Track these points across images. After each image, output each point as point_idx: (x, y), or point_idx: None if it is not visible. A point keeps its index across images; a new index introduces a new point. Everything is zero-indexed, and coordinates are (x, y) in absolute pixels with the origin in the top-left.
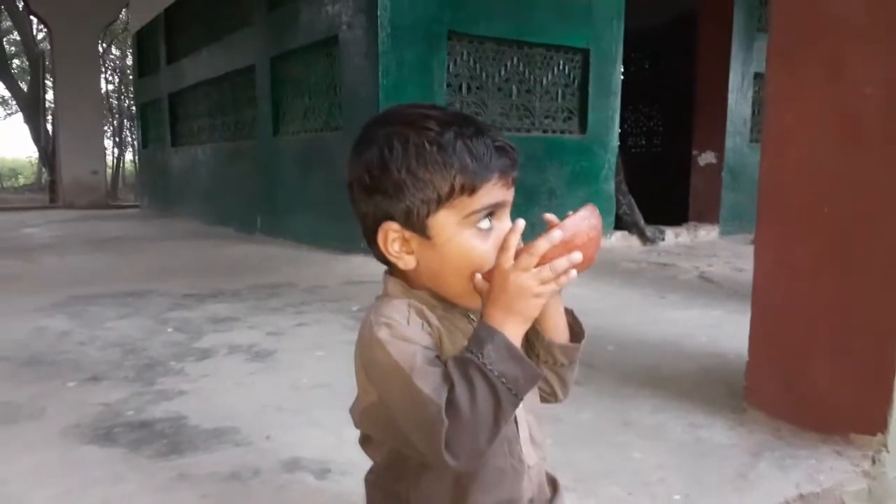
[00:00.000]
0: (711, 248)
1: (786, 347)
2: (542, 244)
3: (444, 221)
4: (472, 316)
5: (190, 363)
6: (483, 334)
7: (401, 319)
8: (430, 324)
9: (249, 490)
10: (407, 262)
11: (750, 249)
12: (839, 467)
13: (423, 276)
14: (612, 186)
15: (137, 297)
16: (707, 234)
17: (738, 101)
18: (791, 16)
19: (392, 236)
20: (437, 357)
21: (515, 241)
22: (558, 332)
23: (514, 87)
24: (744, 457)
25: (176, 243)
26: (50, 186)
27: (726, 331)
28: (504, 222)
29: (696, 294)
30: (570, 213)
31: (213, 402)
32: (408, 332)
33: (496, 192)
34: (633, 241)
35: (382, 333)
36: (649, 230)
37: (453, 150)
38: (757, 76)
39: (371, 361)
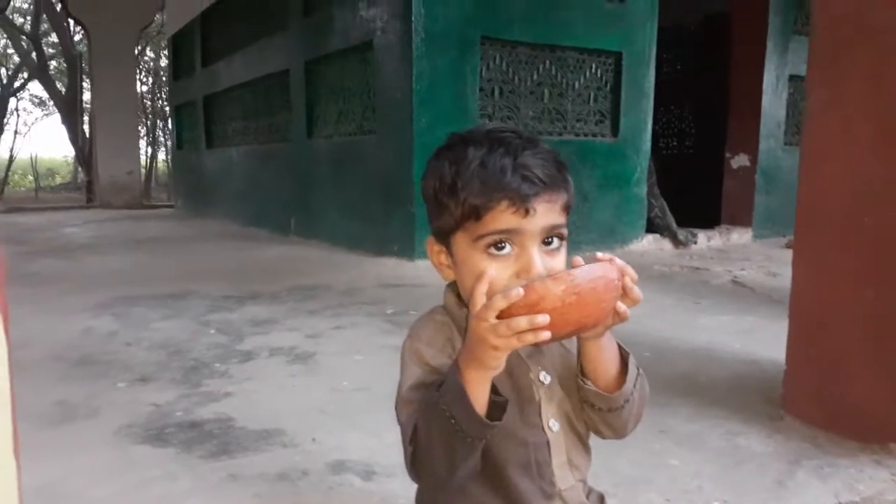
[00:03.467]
0: (744, 252)
1: (824, 356)
2: (498, 300)
3: (460, 242)
4: None
5: (233, 365)
6: (449, 373)
7: (423, 335)
8: (454, 349)
9: (299, 490)
10: (446, 275)
11: (784, 254)
12: (878, 476)
13: (464, 295)
14: (643, 190)
15: (178, 298)
16: (740, 237)
17: (773, 103)
18: (833, 23)
19: (435, 249)
20: (438, 375)
21: (480, 290)
22: (597, 376)
23: (546, 90)
24: (782, 465)
25: (212, 244)
26: (87, 186)
27: (760, 337)
28: (528, 249)
29: (729, 299)
30: (580, 261)
31: (258, 404)
32: (422, 350)
33: (506, 218)
34: (665, 244)
35: (407, 343)
36: (681, 233)
37: (468, 176)
38: (792, 78)
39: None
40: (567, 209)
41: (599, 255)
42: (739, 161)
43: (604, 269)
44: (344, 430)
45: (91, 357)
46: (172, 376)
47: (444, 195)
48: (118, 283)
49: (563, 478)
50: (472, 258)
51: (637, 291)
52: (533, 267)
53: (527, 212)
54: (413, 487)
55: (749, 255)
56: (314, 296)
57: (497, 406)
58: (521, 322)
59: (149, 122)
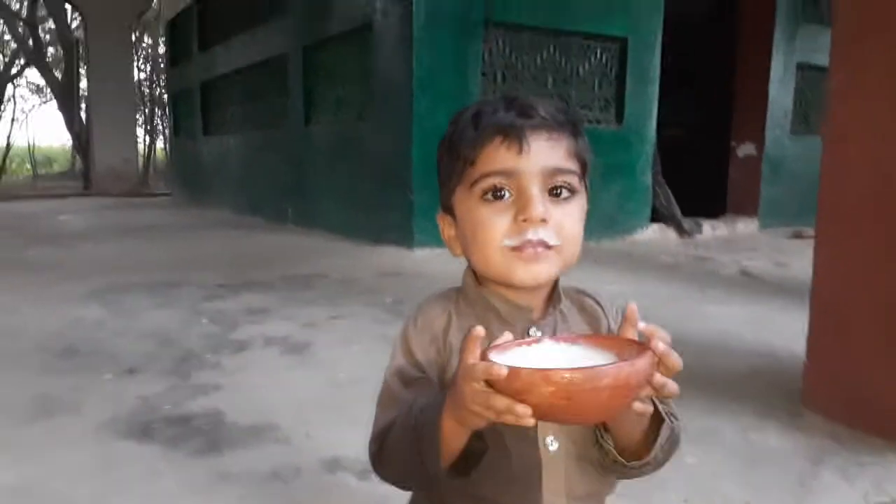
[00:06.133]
0: (750, 242)
1: (848, 348)
2: (479, 370)
3: (459, 200)
4: (531, 333)
5: (225, 356)
6: (432, 406)
7: (419, 319)
8: (445, 345)
9: (290, 491)
10: (454, 248)
11: (791, 244)
12: None
13: (472, 262)
14: (648, 178)
15: (171, 286)
16: (745, 227)
17: (780, 91)
18: (857, 8)
19: (444, 222)
20: (422, 372)
21: (471, 349)
22: (617, 435)
23: (549, 76)
24: (804, 464)
25: (207, 233)
26: (84, 174)
27: (773, 328)
28: (526, 190)
29: (738, 289)
30: (634, 312)
31: (249, 397)
32: (412, 337)
33: (500, 156)
34: (670, 233)
35: (404, 326)
36: (686, 223)
37: (463, 124)
38: (800, 66)
39: None
40: (579, 160)
41: (642, 326)
42: (745, 150)
43: (626, 368)
44: (339, 425)
45: (78, 347)
46: (161, 367)
47: (445, 155)
48: (110, 271)
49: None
50: (469, 209)
51: (671, 387)
52: (531, 207)
53: (521, 147)
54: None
55: (756, 244)
56: (310, 285)
57: (473, 454)
58: (500, 403)
59: (147, 111)
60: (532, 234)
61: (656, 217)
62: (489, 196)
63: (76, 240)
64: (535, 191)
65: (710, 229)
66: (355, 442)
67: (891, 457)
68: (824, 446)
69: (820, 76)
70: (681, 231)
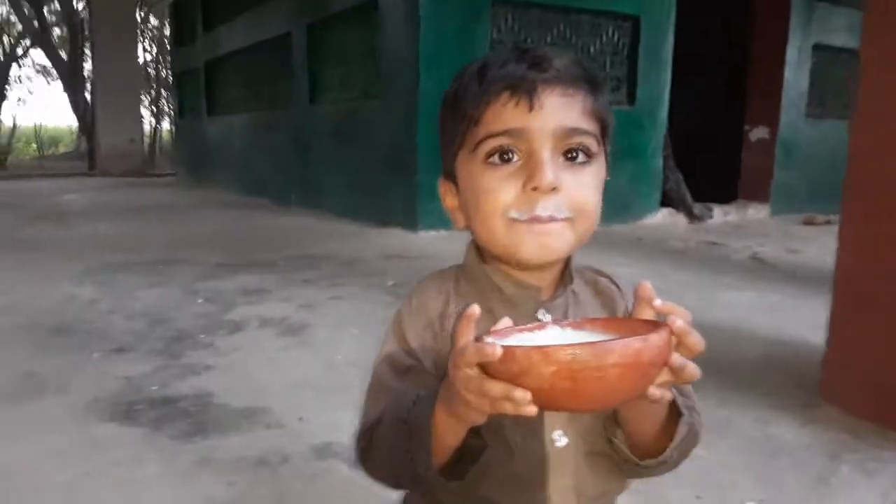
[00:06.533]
0: (762, 228)
1: (871, 338)
2: (470, 351)
3: (462, 164)
4: (539, 316)
5: (220, 336)
6: (424, 400)
7: (414, 301)
8: (442, 330)
9: (278, 478)
10: (457, 220)
11: (803, 230)
12: None
13: (475, 235)
14: (659, 162)
15: (168, 265)
16: (757, 212)
17: (795, 73)
18: None
19: (444, 190)
20: (415, 359)
21: (464, 331)
22: (631, 431)
23: None
24: (822, 459)
25: (210, 213)
26: (88, 154)
27: (787, 316)
28: (537, 153)
29: (750, 276)
30: (648, 289)
31: (242, 378)
32: (405, 321)
33: (507, 114)
34: (680, 218)
35: (399, 308)
36: (697, 208)
37: (467, 79)
38: (816, 48)
39: None
40: (597, 119)
41: (658, 303)
42: (758, 134)
43: (639, 344)
44: (334, 409)
45: (69, 325)
46: (152, 347)
47: (447, 115)
48: (108, 249)
49: (561, 501)
50: (471, 174)
51: (692, 369)
52: (541, 172)
53: (531, 104)
54: None
55: (767, 231)
56: (311, 266)
57: (471, 452)
58: (495, 388)
59: (153, 92)
60: (542, 209)
61: (666, 201)
62: (494, 159)
63: (76, 218)
64: (547, 154)
65: (721, 215)
66: (349, 427)
67: None
68: (841, 440)
69: (836, 57)
70: (691, 216)
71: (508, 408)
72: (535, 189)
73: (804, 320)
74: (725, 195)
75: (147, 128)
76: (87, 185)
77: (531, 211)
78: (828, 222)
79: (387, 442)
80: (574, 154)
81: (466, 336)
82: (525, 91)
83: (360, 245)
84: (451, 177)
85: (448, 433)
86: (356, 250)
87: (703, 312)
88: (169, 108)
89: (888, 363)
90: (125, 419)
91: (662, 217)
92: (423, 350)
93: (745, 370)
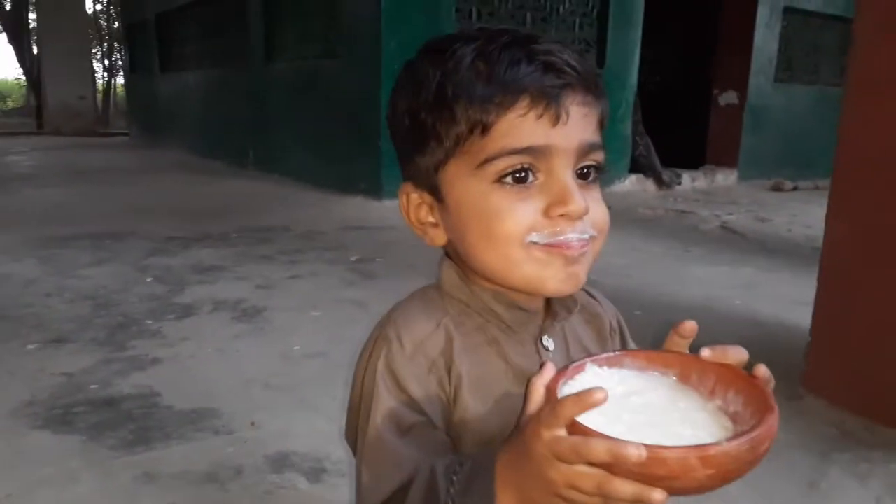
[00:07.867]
0: (730, 195)
1: (859, 327)
2: (599, 449)
3: (455, 177)
4: (544, 342)
5: (168, 322)
6: (476, 484)
7: (410, 342)
8: (449, 373)
9: (228, 497)
10: (433, 237)
11: (771, 196)
12: None
13: (465, 259)
14: (628, 127)
15: (116, 239)
16: (725, 178)
17: (765, 36)
18: None
19: (413, 199)
20: (421, 413)
21: (538, 385)
22: None
23: (528, 14)
24: (811, 459)
25: (162, 177)
26: (36, 112)
27: (761, 293)
28: (558, 174)
29: (720, 247)
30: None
31: (191, 373)
32: (400, 368)
33: (528, 128)
34: (649, 185)
35: (381, 353)
36: (666, 174)
37: (463, 73)
38: (787, 10)
39: (356, 369)
40: (602, 128)
41: (707, 353)
42: (727, 98)
43: (775, 422)
44: (291, 411)
45: (1, 310)
46: (94, 336)
47: (427, 111)
48: (52, 220)
49: None
50: (481, 194)
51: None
52: (572, 198)
53: (557, 116)
54: None
55: (735, 197)
56: (269, 238)
57: None
58: (626, 490)
59: (105, 45)
60: (572, 234)
61: (635, 167)
62: (508, 179)
63: (19, 183)
64: (570, 175)
65: (690, 181)
66: (307, 433)
67: None
68: (829, 437)
69: (806, 21)
70: (660, 182)
71: None
72: (561, 216)
73: (779, 298)
74: (694, 160)
75: (100, 83)
76: (34, 144)
77: (556, 236)
78: (795, 188)
79: None
80: (587, 171)
81: (559, 423)
82: (550, 101)
83: (322, 214)
84: (427, 186)
85: None
86: (317, 220)
87: (676, 288)
88: (122, 62)
89: (873, 354)
90: (61, 425)
91: (631, 184)
92: (428, 400)
93: None
